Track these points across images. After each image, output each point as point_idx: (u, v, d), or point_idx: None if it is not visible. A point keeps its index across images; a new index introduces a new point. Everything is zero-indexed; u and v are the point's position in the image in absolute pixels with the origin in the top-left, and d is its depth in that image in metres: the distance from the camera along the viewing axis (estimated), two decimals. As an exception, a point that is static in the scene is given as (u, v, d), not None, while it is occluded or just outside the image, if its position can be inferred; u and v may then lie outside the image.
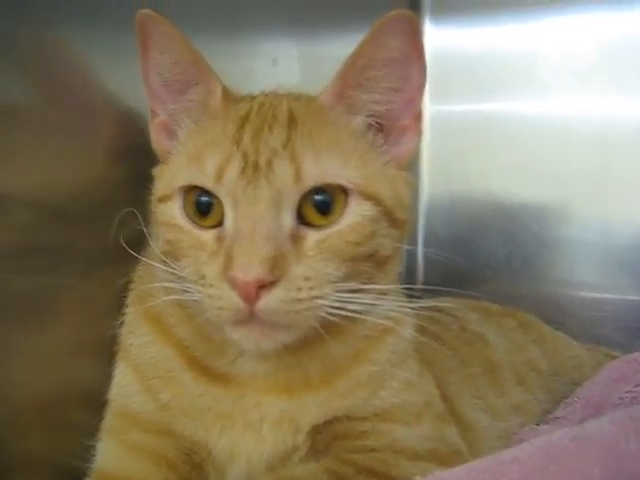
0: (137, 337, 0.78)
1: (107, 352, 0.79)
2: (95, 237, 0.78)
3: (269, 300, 0.62)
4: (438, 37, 1.65)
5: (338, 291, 0.66)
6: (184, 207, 0.70)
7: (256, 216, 0.64)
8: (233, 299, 0.62)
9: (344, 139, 0.71)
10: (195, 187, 0.69)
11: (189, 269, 0.68)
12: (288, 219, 0.66)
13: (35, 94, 0.79)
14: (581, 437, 0.63)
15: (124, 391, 0.77)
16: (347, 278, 0.67)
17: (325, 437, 0.74)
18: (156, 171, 0.77)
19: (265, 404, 0.73)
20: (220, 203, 0.67)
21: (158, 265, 0.72)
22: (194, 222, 0.69)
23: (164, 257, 0.72)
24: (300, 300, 0.63)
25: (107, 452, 0.75)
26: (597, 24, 1.49)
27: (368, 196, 0.68)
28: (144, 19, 0.72)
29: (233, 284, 0.62)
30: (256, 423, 0.73)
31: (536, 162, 1.54)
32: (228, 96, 0.75)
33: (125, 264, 0.80)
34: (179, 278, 0.69)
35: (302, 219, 0.67)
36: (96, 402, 0.78)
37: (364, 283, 0.69)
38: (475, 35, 1.63)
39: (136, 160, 0.79)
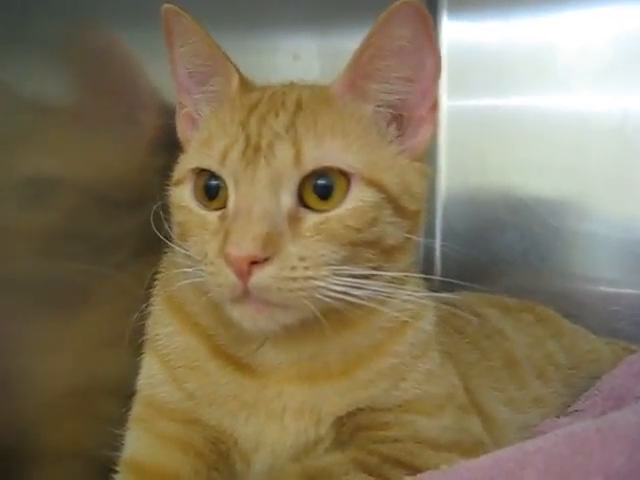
0: (162, 327, 0.79)
1: (137, 343, 0.80)
2: (135, 226, 0.80)
3: (261, 277, 0.63)
4: (455, 31, 1.65)
5: (338, 275, 0.66)
6: (194, 190, 0.73)
7: (254, 195, 0.66)
8: (229, 276, 0.64)
9: (350, 126, 0.71)
10: (204, 170, 0.71)
11: (194, 248, 0.70)
12: (287, 200, 0.67)
13: (83, 86, 0.81)
14: (605, 428, 0.63)
15: (151, 381, 0.78)
16: (347, 262, 0.67)
17: (349, 428, 0.75)
18: (179, 159, 0.79)
19: (287, 394, 0.74)
20: (226, 186, 0.69)
21: (178, 249, 0.74)
22: (202, 204, 0.71)
23: (177, 239, 0.74)
24: (294, 279, 0.64)
25: (136, 441, 0.77)
26: (615, 18, 1.48)
27: (371, 182, 0.69)
28: (167, 14, 0.75)
29: (227, 260, 0.63)
30: (279, 413, 0.74)
31: (554, 157, 1.53)
32: (245, 86, 0.77)
33: (162, 255, 0.82)
34: (194, 262, 0.71)
35: (303, 202, 0.67)
36: (126, 392, 0.79)
37: (370, 270, 0.69)
38: (492, 29, 1.62)
39: (176, 151, 0.81)
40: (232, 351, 0.76)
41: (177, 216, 0.74)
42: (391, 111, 0.74)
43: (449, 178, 1.66)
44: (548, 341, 1.19)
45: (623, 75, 1.46)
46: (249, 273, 0.63)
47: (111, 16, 0.83)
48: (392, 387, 0.76)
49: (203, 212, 0.71)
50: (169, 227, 0.77)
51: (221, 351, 0.76)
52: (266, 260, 0.63)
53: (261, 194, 0.66)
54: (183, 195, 0.73)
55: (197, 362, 0.76)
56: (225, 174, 0.69)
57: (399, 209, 0.71)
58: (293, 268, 0.64)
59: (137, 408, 0.79)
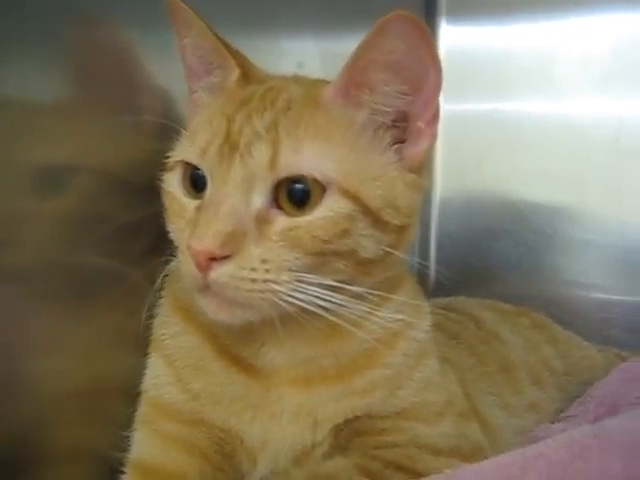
0: (168, 327, 0.80)
1: (144, 342, 0.81)
2: (152, 216, 0.79)
3: (219, 273, 0.63)
4: (454, 36, 1.65)
5: (301, 282, 0.65)
6: (182, 179, 0.73)
7: (225, 192, 0.66)
8: (191, 267, 0.65)
9: (335, 133, 0.69)
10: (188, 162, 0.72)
11: (174, 235, 0.72)
12: (258, 201, 0.66)
13: (86, 79, 0.83)
14: (603, 435, 0.65)
15: (157, 382, 0.79)
16: (313, 270, 0.66)
17: (346, 434, 0.76)
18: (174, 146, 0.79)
19: (286, 396, 0.75)
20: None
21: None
22: (188, 193, 0.72)
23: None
24: (253, 280, 0.64)
25: (142, 442, 0.77)
26: (614, 26, 1.48)
27: (346, 193, 0.66)
28: (169, 5, 0.76)
29: (190, 252, 0.64)
30: (278, 415, 0.75)
31: (550, 164, 1.53)
32: (248, 79, 0.77)
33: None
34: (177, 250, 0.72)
35: (278, 204, 0.67)
36: (133, 393, 0.80)
37: (341, 282, 0.68)
38: (491, 35, 1.62)
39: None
40: (236, 351, 0.76)
41: (165, 201, 0.75)
42: (387, 121, 0.72)
43: (445, 184, 1.66)
44: (544, 346, 1.20)
45: (620, 84, 1.47)
46: (208, 268, 0.63)
47: (113, 12, 0.85)
48: (389, 396, 0.77)
49: (184, 199, 0.72)
50: None
51: (226, 351, 0.77)
52: (226, 258, 0.64)
53: (232, 192, 0.66)
54: (172, 181, 0.74)
55: (203, 362, 0.77)
56: (204, 167, 0.69)
57: (379, 222, 0.68)
58: (253, 269, 0.64)
59: (143, 409, 0.79)
